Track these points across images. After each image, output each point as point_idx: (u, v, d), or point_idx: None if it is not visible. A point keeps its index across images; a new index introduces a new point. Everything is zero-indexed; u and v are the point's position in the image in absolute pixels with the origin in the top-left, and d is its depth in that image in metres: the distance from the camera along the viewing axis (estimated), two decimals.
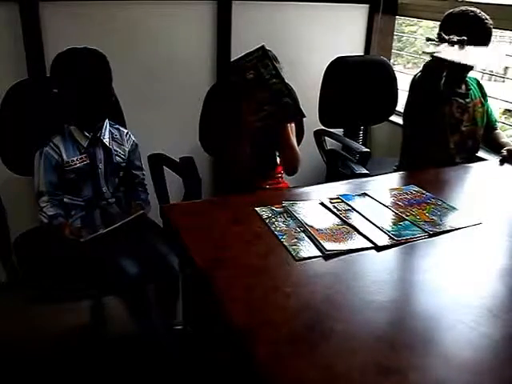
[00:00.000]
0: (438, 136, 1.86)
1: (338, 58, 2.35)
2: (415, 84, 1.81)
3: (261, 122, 1.71)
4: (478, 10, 1.72)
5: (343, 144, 2.43)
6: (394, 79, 2.50)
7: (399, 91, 2.53)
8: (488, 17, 1.71)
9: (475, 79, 1.99)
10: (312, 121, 2.31)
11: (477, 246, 1.22)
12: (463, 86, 1.90)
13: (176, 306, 1.68)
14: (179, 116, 2.38)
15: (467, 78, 1.91)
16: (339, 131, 2.51)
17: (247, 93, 1.73)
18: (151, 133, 2.27)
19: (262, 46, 1.71)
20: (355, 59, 2.44)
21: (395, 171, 2.02)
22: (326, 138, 2.35)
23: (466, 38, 1.54)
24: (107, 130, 1.69)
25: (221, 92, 2.00)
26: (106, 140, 1.67)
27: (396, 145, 2.27)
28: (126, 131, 1.76)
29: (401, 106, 2.58)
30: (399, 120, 2.84)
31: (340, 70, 2.35)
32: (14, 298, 1.87)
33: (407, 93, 1.88)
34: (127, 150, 1.74)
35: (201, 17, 2.33)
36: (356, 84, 2.39)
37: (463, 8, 1.74)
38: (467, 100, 1.90)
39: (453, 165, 1.84)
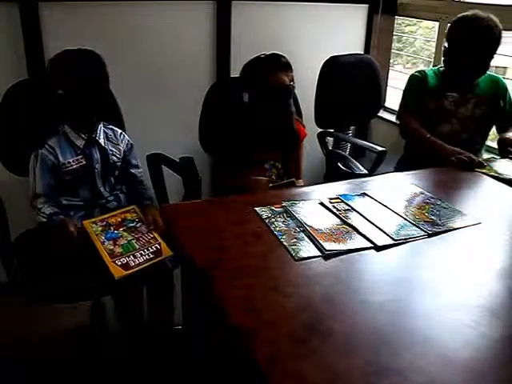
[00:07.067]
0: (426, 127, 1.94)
1: (331, 57, 2.35)
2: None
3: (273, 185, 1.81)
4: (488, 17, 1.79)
5: (354, 144, 2.43)
6: (378, 76, 2.51)
7: (396, 90, 2.53)
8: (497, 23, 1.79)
9: (497, 77, 2.02)
10: (312, 121, 2.32)
11: (477, 246, 1.22)
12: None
13: (172, 302, 1.68)
14: (179, 116, 2.38)
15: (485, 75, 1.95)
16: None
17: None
18: (151, 133, 2.27)
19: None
20: (345, 59, 2.43)
21: (396, 170, 2.04)
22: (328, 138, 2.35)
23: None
24: (101, 130, 1.68)
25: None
26: (101, 140, 1.67)
27: (394, 143, 2.27)
28: (119, 131, 1.76)
29: (390, 103, 2.59)
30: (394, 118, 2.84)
31: (330, 69, 2.35)
32: (14, 298, 1.86)
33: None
34: (122, 149, 1.74)
35: (200, 17, 2.33)
36: (343, 83, 2.40)
37: (473, 15, 1.82)
38: (469, 95, 1.97)
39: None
